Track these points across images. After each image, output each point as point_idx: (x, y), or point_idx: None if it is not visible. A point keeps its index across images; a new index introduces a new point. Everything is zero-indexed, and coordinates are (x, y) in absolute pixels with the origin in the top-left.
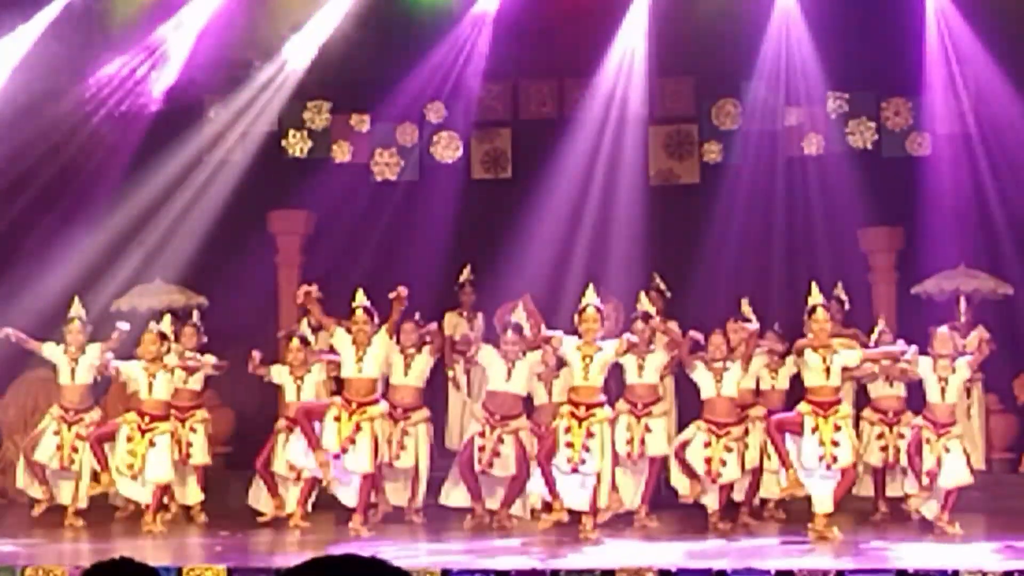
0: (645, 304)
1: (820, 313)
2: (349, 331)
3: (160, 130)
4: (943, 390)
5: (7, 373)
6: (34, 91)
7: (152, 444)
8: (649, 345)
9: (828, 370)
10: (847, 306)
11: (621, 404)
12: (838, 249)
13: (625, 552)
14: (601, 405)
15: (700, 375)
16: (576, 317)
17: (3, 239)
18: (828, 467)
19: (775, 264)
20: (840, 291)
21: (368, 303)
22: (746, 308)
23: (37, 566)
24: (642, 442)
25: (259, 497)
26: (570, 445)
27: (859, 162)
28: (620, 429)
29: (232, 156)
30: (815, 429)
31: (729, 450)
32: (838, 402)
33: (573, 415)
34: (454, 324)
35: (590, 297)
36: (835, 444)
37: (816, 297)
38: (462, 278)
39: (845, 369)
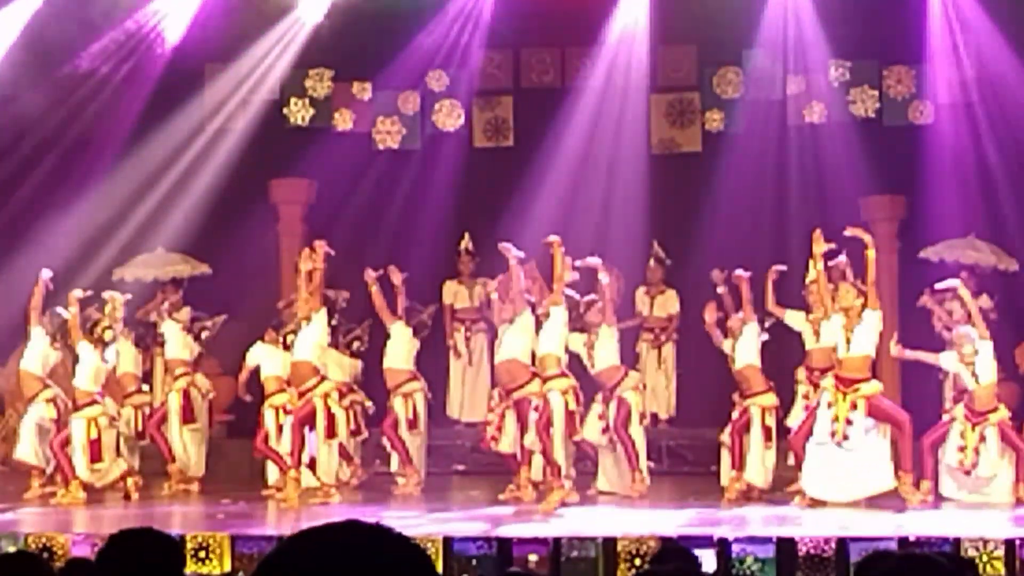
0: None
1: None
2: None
3: (161, 98)
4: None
5: (8, 342)
6: (34, 60)
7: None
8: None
9: (850, 340)
10: (847, 276)
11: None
12: (840, 218)
13: (627, 519)
14: (558, 376)
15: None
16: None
17: (4, 208)
18: (838, 444)
19: (776, 232)
20: (843, 259)
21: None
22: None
23: (39, 533)
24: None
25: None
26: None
27: (861, 130)
28: (592, 414)
29: (233, 124)
30: (831, 404)
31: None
32: (863, 380)
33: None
34: (453, 292)
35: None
36: (848, 423)
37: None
38: (461, 246)
39: None
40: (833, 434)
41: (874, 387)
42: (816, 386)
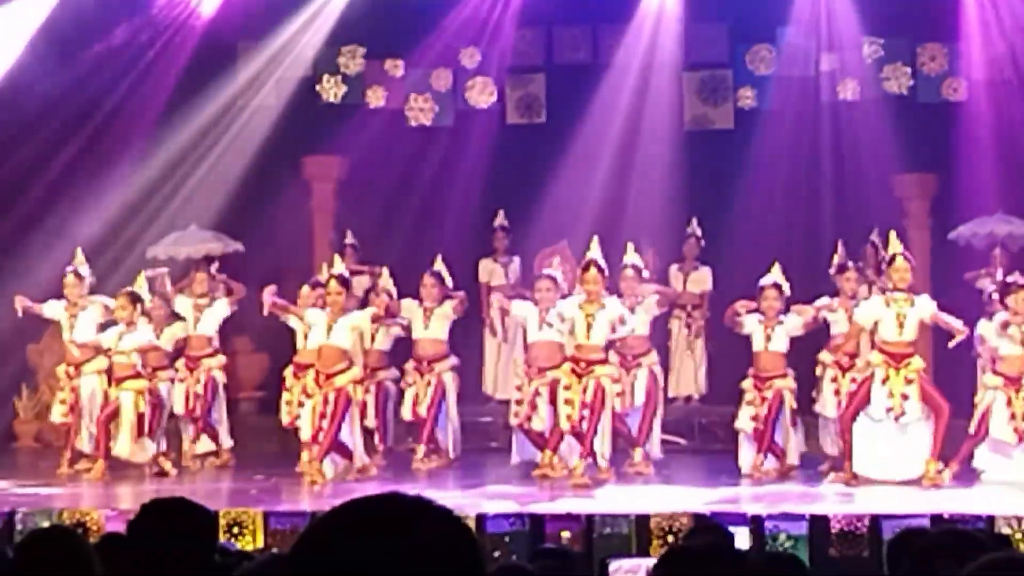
0: (632, 256)
1: (900, 261)
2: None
3: (193, 75)
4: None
5: (43, 319)
6: (66, 38)
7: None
8: (637, 298)
9: (903, 324)
10: (882, 252)
11: (611, 356)
12: (872, 195)
13: (660, 496)
14: (603, 362)
15: (752, 328)
16: (579, 274)
17: (37, 186)
18: (896, 419)
19: (809, 210)
20: (875, 236)
21: (344, 272)
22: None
23: (73, 509)
24: (631, 394)
25: None
26: (569, 403)
27: (894, 108)
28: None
29: (266, 101)
30: (885, 380)
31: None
32: (911, 355)
33: (573, 371)
34: (489, 270)
35: (594, 252)
36: (904, 397)
37: (896, 246)
38: (496, 223)
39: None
40: (890, 410)
41: (920, 362)
42: (844, 370)
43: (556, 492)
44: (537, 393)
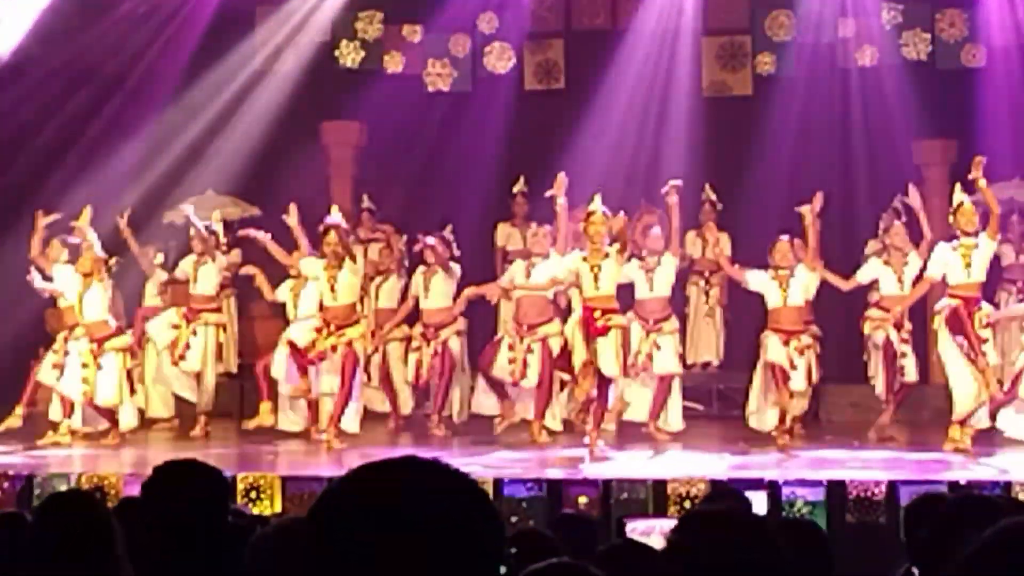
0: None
1: (967, 206)
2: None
3: (212, 40)
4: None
5: None
6: (84, 4)
7: (99, 367)
8: (657, 259)
9: (970, 264)
10: (903, 218)
11: (631, 317)
12: (891, 161)
13: (677, 462)
14: (616, 311)
15: (763, 286)
16: (583, 225)
17: (55, 151)
18: (973, 360)
19: (827, 176)
20: (898, 202)
21: (339, 219)
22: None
23: (91, 473)
24: (649, 357)
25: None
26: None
27: (913, 74)
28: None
29: (284, 66)
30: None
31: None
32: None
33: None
34: (506, 234)
35: (596, 204)
36: (983, 341)
37: (960, 195)
38: (515, 188)
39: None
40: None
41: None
42: (898, 328)
43: (575, 457)
44: (529, 350)
